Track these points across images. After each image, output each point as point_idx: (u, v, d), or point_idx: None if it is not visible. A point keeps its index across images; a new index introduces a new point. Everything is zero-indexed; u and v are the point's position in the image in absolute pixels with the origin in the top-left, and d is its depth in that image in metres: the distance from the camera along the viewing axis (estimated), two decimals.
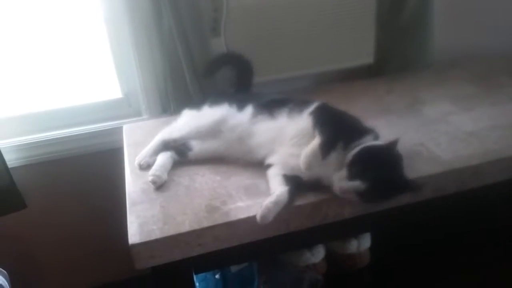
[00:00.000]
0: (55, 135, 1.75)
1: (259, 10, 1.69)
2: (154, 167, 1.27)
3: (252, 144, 1.28)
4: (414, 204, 1.19)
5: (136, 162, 1.34)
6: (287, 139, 1.22)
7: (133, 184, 1.26)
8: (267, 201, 1.07)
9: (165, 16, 1.57)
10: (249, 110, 1.33)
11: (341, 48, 1.84)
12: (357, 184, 1.05)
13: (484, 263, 1.74)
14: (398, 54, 1.88)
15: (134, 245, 1.01)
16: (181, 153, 1.34)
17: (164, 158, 1.31)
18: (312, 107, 1.24)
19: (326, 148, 1.09)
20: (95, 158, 1.78)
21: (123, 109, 1.83)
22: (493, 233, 1.81)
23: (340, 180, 1.08)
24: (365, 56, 1.88)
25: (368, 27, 1.83)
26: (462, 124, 1.40)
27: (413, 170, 1.16)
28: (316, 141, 1.11)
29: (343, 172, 1.09)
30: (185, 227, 1.05)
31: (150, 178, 1.23)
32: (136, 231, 1.05)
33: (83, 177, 1.82)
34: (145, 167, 1.31)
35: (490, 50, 1.97)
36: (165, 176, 1.25)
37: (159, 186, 1.23)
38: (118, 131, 1.66)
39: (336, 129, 1.15)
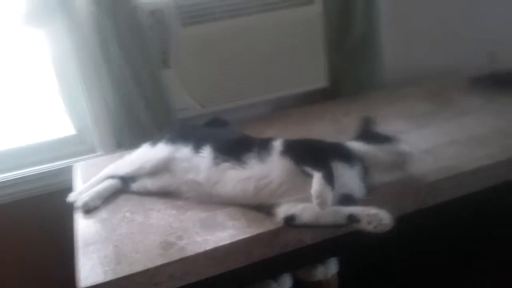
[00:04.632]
0: (4, 177, 1.68)
1: (209, 39, 1.69)
2: (88, 192, 1.29)
3: (220, 192, 1.20)
4: None
5: (71, 198, 1.33)
6: (275, 188, 1.13)
7: (86, 224, 1.21)
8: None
9: (112, 50, 1.54)
10: (207, 152, 1.24)
11: (295, 73, 1.85)
12: None
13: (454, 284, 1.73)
14: (351, 76, 1.91)
15: None
16: (125, 182, 1.35)
17: (104, 185, 1.33)
18: (277, 146, 1.18)
19: (330, 177, 1.04)
20: (47, 199, 1.70)
21: (76, 146, 1.79)
22: (458, 250, 1.81)
23: None
24: (319, 79, 1.90)
25: (319, 51, 1.85)
26: (416, 142, 1.40)
27: None
28: (317, 176, 1.04)
29: None
30: (139, 266, 1.00)
31: (78, 203, 1.26)
32: (87, 273, 1.00)
33: (34, 220, 1.75)
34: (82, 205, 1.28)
35: (440, 67, 2.01)
36: (97, 203, 1.28)
37: (87, 211, 1.26)
38: (71, 169, 1.60)
39: (323, 156, 1.11)
